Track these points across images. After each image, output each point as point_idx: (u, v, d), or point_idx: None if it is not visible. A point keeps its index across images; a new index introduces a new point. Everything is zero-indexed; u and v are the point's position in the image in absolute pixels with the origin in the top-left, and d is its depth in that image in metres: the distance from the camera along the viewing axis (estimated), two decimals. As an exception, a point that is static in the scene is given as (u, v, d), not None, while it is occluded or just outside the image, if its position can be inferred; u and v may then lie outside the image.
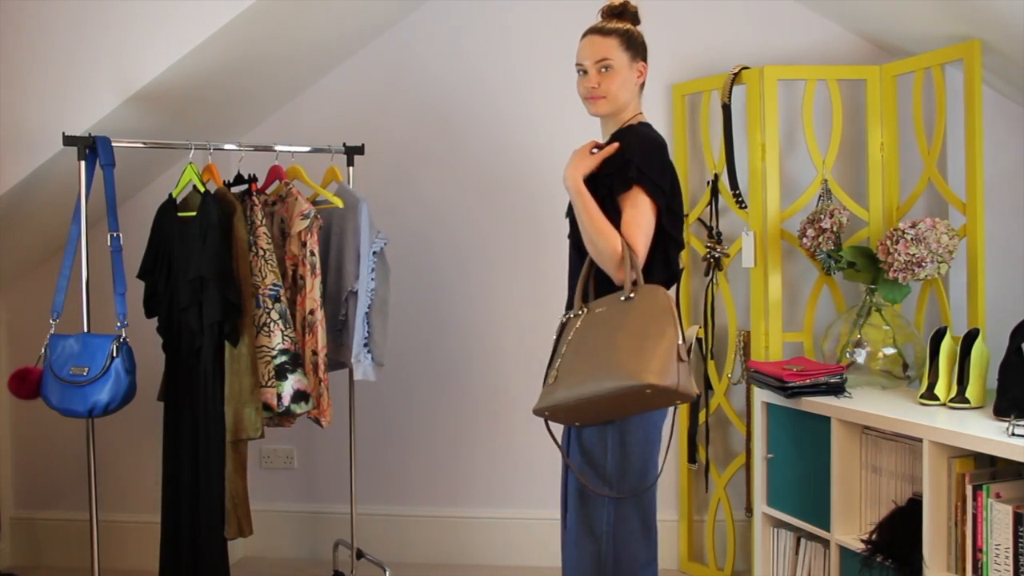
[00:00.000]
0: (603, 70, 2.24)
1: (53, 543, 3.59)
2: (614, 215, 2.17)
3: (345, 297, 3.02)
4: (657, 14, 3.34)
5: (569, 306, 2.26)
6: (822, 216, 3.00)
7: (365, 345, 2.99)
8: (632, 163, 2.17)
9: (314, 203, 3.00)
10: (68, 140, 2.68)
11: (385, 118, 3.59)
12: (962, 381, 2.56)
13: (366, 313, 2.99)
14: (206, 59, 2.85)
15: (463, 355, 3.60)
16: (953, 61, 2.93)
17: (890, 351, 2.92)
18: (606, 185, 2.19)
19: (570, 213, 2.28)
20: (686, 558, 3.47)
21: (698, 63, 3.40)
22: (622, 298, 2.08)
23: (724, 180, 3.26)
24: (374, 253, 3.00)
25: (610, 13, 2.31)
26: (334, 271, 3.05)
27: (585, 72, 2.27)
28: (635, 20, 2.32)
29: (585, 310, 2.15)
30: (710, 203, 3.34)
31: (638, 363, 1.95)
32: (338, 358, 3.05)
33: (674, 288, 2.28)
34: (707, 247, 3.33)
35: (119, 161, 2.74)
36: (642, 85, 2.32)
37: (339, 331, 3.05)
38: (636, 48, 2.28)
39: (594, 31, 2.28)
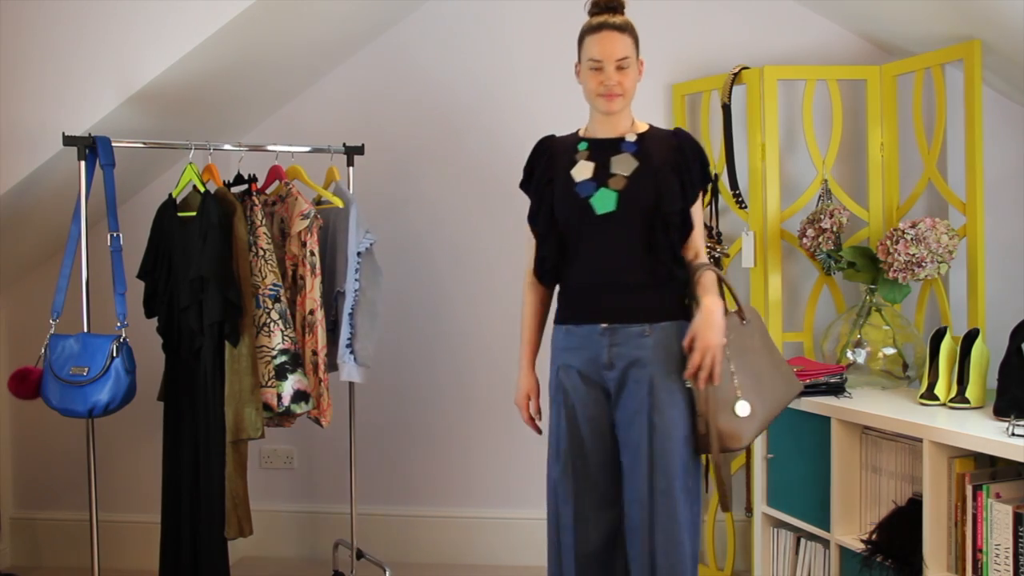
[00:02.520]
0: (620, 68, 2.23)
1: (53, 543, 3.59)
2: (688, 217, 2.31)
3: (334, 297, 3.02)
4: (657, 14, 3.37)
5: (622, 311, 2.26)
6: (822, 216, 3.00)
7: (348, 346, 2.98)
8: (707, 167, 2.36)
9: (317, 203, 3.01)
10: (68, 140, 2.68)
11: (385, 118, 3.59)
12: (962, 381, 2.56)
13: (349, 313, 2.98)
14: (206, 59, 2.85)
15: (463, 355, 3.60)
16: (953, 61, 2.93)
17: (890, 351, 2.92)
18: (695, 192, 2.31)
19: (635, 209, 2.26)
20: (686, 558, 3.46)
21: (698, 63, 3.40)
22: (743, 322, 2.30)
23: (724, 180, 3.26)
24: (358, 253, 2.98)
25: (606, 7, 2.29)
26: (328, 271, 3.04)
27: (599, 69, 2.24)
28: (622, 8, 2.31)
29: None
30: (710, 203, 3.33)
31: (793, 373, 2.40)
32: (332, 359, 3.04)
33: None
34: (707, 247, 3.32)
35: (119, 161, 2.74)
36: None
37: (331, 331, 3.04)
38: (638, 44, 2.29)
39: (608, 27, 2.24)
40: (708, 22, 3.42)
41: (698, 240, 2.34)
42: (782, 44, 3.37)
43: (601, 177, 2.29)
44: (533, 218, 2.39)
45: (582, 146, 2.36)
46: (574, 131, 2.42)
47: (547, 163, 2.37)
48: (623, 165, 2.29)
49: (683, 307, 2.28)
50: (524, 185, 2.43)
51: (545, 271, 2.37)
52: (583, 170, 2.31)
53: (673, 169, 2.27)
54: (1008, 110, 3.22)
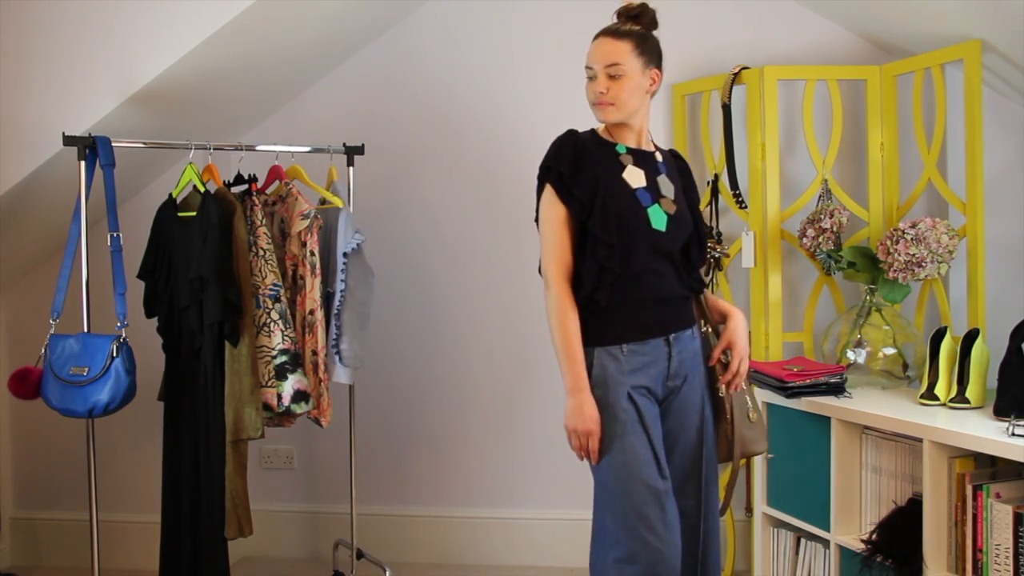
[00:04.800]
0: (613, 76, 2.11)
1: (53, 543, 3.59)
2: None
3: (325, 297, 3.01)
4: (657, 14, 3.36)
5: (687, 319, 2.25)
6: (822, 216, 3.00)
7: (334, 346, 2.98)
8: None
9: (321, 204, 3.00)
10: (68, 140, 2.68)
11: (385, 118, 3.59)
12: (962, 381, 2.56)
13: (335, 314, 2.97)
14: (206, 59, 2.85)
15: (463, 355, 3.60)
16: (953, 61, 2.93)
17: (890, 351, 2.92)
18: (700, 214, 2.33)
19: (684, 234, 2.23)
20: (686, 558, 3.46)
21: (698, 63, 3.40)
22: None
23: (724, 180, 3.26)
24: (344, 254, 2.97)
25: (627, 15, 2.17)
26: (325, 271, 3.04)
27: (592, 77, 2.14)
28: (652, 24, 2.18)
29: None
30: (710, 203, 3.34)
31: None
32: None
33: None
34: (707, 247, 3.32)
35: (119, 161, 2.74)
36: (653, 93, 2.21)
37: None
38: (650, 54, 2.15)
39: (607, 33, 2.15)
40: (708, 22, 3.41)
41: None
42: (782, 44, 3.37)
43: (653, 191, 2.19)
44: (583, 221, 2.14)
45: (621, 148, 2.21)
46: (588, 131, 2.24)
47: (590, 160, 2.16)
48: (666, 186, 2.22)
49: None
50: (559, 180, 2.15)
51: (604, 284, 2.12)
52: (636, 176, 2.19)
53: (686, 193, 2.27)
54: (1008, 110, 3.22)
